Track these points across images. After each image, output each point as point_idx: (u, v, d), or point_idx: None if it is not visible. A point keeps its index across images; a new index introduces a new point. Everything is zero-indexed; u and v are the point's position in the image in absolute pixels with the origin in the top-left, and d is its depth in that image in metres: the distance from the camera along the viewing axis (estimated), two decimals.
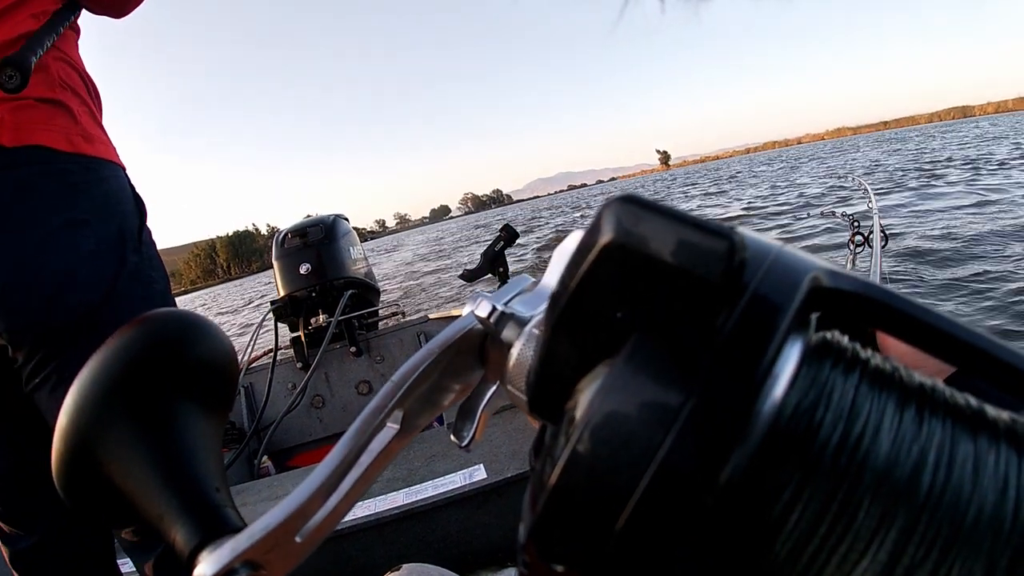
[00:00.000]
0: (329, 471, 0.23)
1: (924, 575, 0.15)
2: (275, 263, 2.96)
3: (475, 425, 0.26)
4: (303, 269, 2.87)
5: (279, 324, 2.81)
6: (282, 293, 2.88)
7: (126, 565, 1.30)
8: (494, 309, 0.24)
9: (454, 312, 2.97)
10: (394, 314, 3.39)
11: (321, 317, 2.86)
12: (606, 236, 0.17)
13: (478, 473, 1.81)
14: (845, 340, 0.19)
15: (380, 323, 3.22)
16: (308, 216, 3.21)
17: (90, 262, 1.05)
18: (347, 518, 1.81)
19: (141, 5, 1.23)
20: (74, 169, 1.04)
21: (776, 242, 0.19)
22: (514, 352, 0.23)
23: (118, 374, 0.27)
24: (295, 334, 2.84)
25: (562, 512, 0.16)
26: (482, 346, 0.25)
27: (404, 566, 1.12)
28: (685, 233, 0.16)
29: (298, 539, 0.24)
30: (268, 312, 2.85)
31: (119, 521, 0.30)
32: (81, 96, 1.10)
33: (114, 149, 1.16)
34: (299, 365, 2.77)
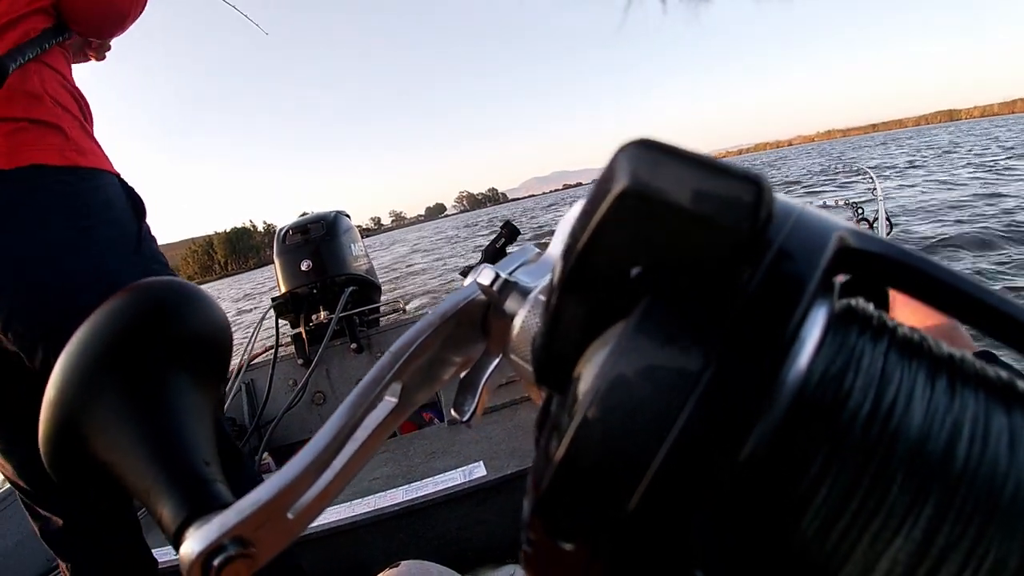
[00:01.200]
0: (323, 445, 0.22)
1: (960, 555, 0.14)
2: (276, 260, 2.95)
3: (476, 399, 0.25)
4: (304, 266, 2.86)
5: (280, 321, 2.80)
6: (283, 289, 2.87)
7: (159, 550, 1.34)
8: (497, 276, 0.22)
9: None
10: (395, 311, 3.38)
11: (322, 314, 2.85)
12: (621, 183, 0.15)
13: (478, 470, 1.80)
14: (871, 307, 0.18)
15: (381, 320, 3.21)
16: (305, 213, 3.20)
17: (96, 264, 1.09)
18: (346, 515, 1.80)
19: (126, 31, 1.30)
20: (70, 180, 1.10)
21: (797, 200, 0.18)
22: (518, 320, 0.22)
23: (107, 343, 0.26)
24: (296, 331, 2.82)
25: (571, 485, 0.15)
26: (484, 318, 0.24)
27: (403, 563, 1.11)
28: (709, 178, 0.15)
29: (290, 516, 0.23)
30: (269, 309, 2.84)
31: (107, 496, 0.29)
32: (72, 112, 1.16)
33: (107, 158, 1.22)
34: (300, 362, 2.76)
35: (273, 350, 2.70)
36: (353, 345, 2.83)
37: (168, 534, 0.24)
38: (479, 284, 0.22)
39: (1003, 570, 0.14)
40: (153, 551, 1.36)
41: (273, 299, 2.86)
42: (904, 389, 0.15)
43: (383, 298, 3.28)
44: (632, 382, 0.15)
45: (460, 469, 1.85)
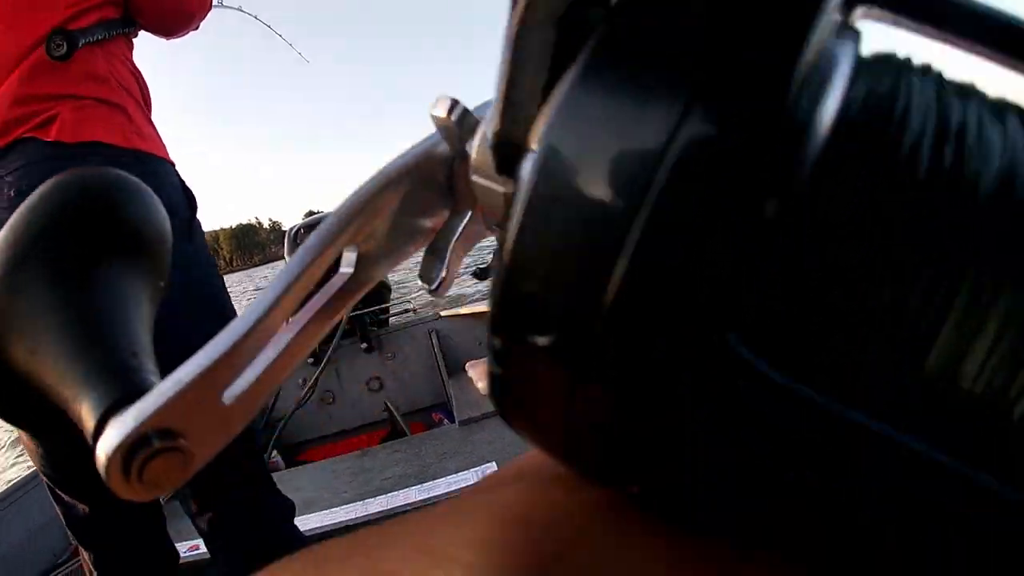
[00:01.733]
0: (258, 314, 0.18)
1: None
2: (288, 257, 2.95)
3: (445, 265, 0.21)
4: None
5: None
6: None
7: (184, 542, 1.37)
8: (455, 104, 0.18)
9: (465, 311, 2.92)
10: (405, 311, 3.36)
11: None
12: None
13: (491, 471, 1.77)
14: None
15: (392, 320, 3.19)
16: (311, 212, 3.22)
17: None
18: (358, 514, 1.78)
19: (190, 32, 1.36)
20: (129, 162, 1.12)
21: None
22: (479, 131, 0.17)
23: (31, 234, 0.23)
24: None
25: (525, 284, 0.11)
26: (450, 175, 0.20)
27: None
28: None
29: (225, 400, 0.19)
30: None
31: (29, 416, 0.25)
32: (135, 97, 1.21)
33: (164, 146, 1.26)
34: (310, 360, 2.75)
35: None
36: (363, 345, 2.82)
37: (88, 436, 0.20)
38: (434, 116, 0.18)
39: None
40: (176, 545, 1.35)
41: None
42: (972, 115, 0.11)
43: (393, 297, 3.27)
44: (583, 145, 0.11)
45: (473, 469, 1.83)
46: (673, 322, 0.10)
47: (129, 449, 0.19)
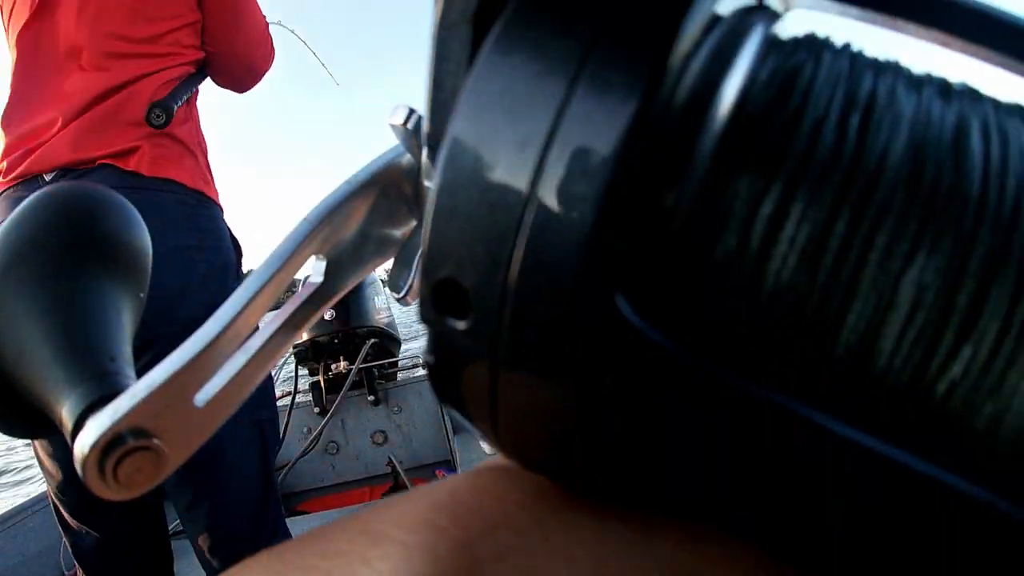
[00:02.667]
0: (227, 318, 0.20)
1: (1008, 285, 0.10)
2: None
3: (412, 273, 0.22)
4: (328, 315, 2.88)
5: (299, 368, 2.80)
6: (305, 337, 2.88)
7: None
8: (411, 113, 0.19)
9: None
10: (414, 365, 3.35)
11: (342, 364, 2.84)
12: None
13: None
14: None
15: (399, 374, 3.18)
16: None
17: (201, 283, 1.19)
18: None
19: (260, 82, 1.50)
20: (194, 203, 1.24)
21: None
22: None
23: (15, 245, 0.24)
24: (315, 379, 2.81)
25: (442, 270, 0.12)
26: (416, 186, 0.22)
27: None
28: None
29: (198, 403, 0.20)
30: (290, 355, 2.84)
31: (16, 420, 0.26)
32: (203, 147, 1.34)
33: (218, 194, 1.37)
34: (316, 410, 2.74)
35: (291, 396, 2.69)
36: (371, 397, 2.81)
37: (68, 436, 0.22)
38: (392, 126, 0.19)
39: None
40: None
41: (295, 346, 2.87)
42: (883, 88, 0.12)
43: (402, 351, 3.27)
44: (487, 116, 0.11)
45: None
46: (569, 299, 0.11)
47: (104, 447, 0.20)
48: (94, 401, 0.21)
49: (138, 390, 0.20)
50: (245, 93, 1.52)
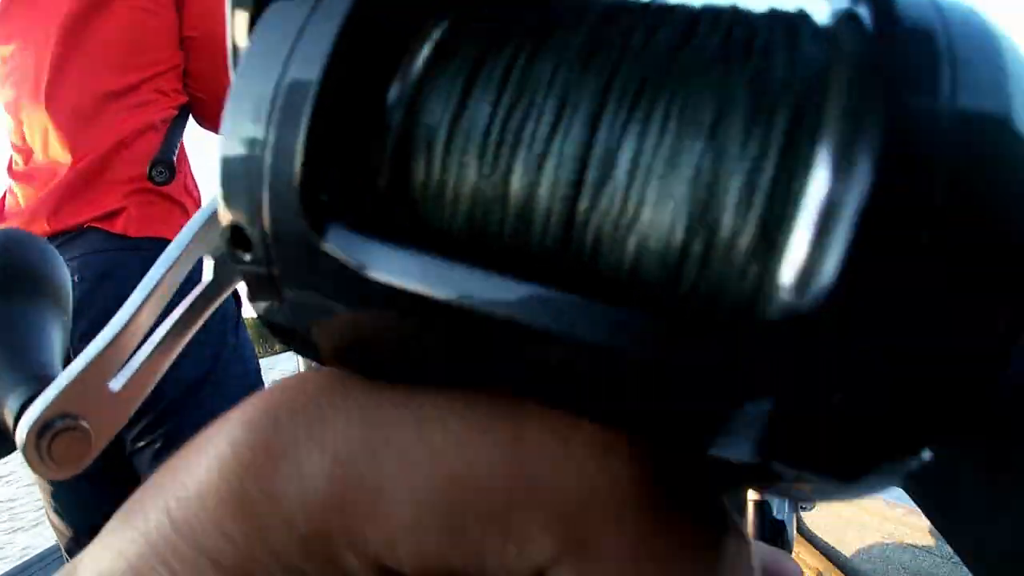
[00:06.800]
0: (132, 310, 0.23)
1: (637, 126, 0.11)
2: None
3: None
4: None
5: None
6: None
7: None
8: None
9: None
10: None
11: None
12: None
13: None
14: None
15: None
16: None
17: (199, 341, 1.11)
18: None
19: None
20: None
21: None
22: None
23: None
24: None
25: (234, 216, 0.13)
26: None
27: None
28: None
29: (113, 388, 0.24)
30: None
31: None
32: (193, 196, 1.28)
33: None
34: None
35: None
36: None
37: (11, 433, 0.25)
38: None
39: (695, 123, 0.11)
40: None
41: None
42: None
43: None
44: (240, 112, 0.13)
45: None
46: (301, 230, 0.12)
47: (38, 432, 0.24)
48: (30, 397, 0.25)
49: (60, 381, 0.23)
50: None
